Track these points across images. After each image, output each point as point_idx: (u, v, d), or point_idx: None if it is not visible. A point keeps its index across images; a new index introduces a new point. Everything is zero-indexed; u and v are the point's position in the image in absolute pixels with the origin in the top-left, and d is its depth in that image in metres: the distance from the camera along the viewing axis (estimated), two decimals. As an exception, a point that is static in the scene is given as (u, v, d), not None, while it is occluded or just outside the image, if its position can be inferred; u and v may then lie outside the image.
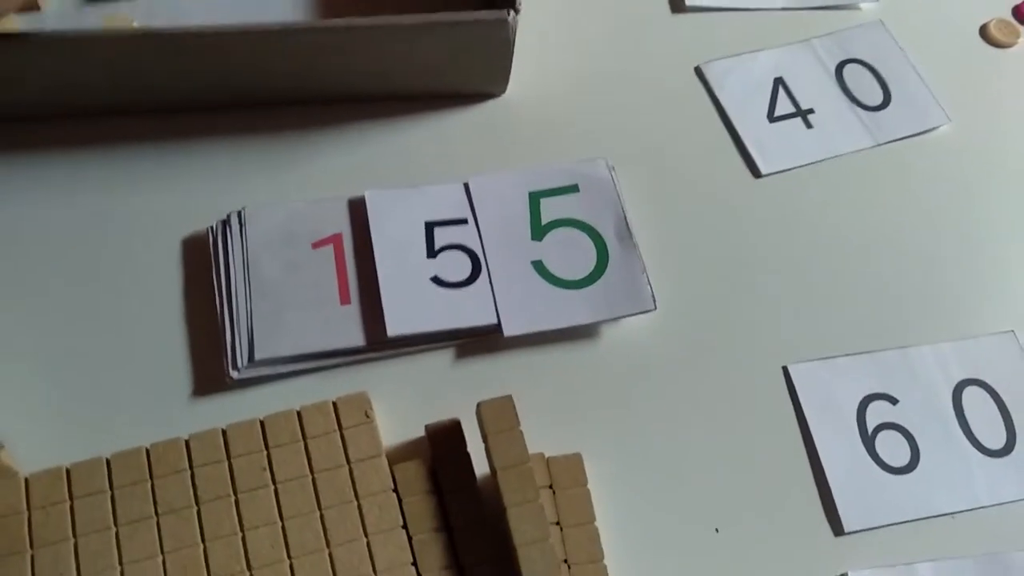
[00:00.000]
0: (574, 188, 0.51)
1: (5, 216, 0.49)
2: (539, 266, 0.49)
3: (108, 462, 0.41)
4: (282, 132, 0.53)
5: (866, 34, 0.61)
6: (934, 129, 0.58)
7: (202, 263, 0.49)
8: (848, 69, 0.60)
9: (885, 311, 0.51)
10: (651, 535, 0.44)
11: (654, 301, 0.49)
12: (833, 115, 0.58)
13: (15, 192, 0.50)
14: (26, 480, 0.40)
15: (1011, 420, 0.49)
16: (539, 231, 0.49)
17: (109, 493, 0.40)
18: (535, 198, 0.50)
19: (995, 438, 0.49)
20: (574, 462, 0.44)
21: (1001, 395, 0.50)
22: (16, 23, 0.54)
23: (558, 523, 0.42)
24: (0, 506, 0.40)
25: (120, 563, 0.39)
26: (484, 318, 0.47)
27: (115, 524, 0.40)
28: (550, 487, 0.43)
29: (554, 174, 0.52)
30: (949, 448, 0.48)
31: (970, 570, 0.45)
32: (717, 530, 0.45)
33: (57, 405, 0.44)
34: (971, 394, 0.50)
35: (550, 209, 0.50)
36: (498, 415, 0.42)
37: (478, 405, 0.42)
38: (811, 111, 0.58)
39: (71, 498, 0.40)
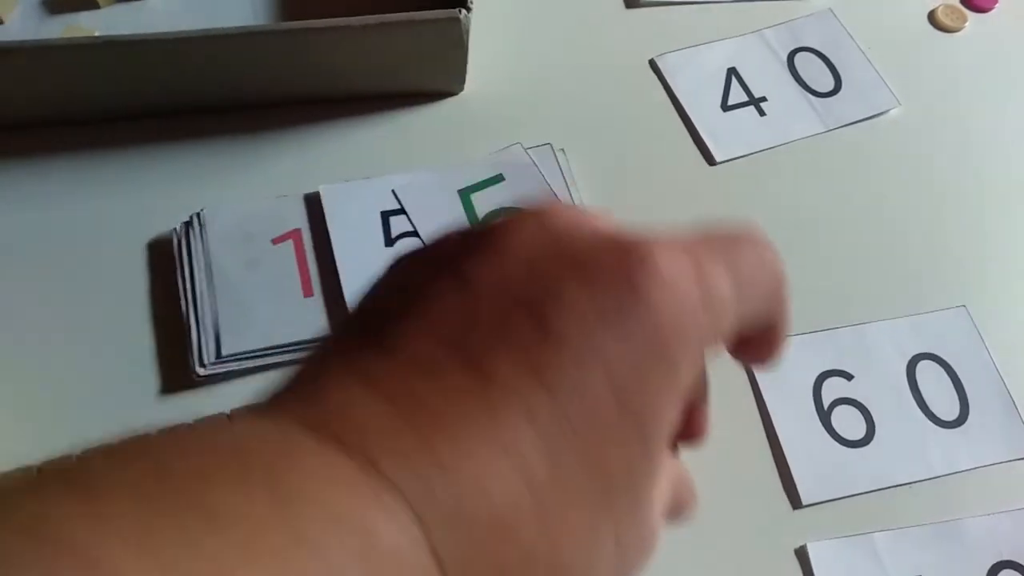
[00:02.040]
0: (499, 178, 0.52)
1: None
2: None
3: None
4: (241, 134, 0.54)
5: (816, 23, 0.63)
6: (884, 113, 0.59)
7: (167, 265, 0.50)
8: (799, 57, 0.61)
9: (839, 290, 0.53)
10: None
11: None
12: (785, 102, 0.59)
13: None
14: None
15: (964, 392, 0.50)
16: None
17: None
18: (465, 195, 0.52)
19: (949, 410, 0.50)
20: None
21: (954, 368, 0.51)
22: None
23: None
24: None
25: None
26: (443, 304, 0.48)
27: None
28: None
29: (477, 169, 0.53)
30: (904, 421, 0.49)
31: (926, 537, 0.46)
32: (677, 507, 0.46)
33: (27, 405, 0.45)
34: (925, 368, 0.51)
35: (482, 202, 0.52)
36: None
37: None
38: (764, 99, 0.59)
39: None
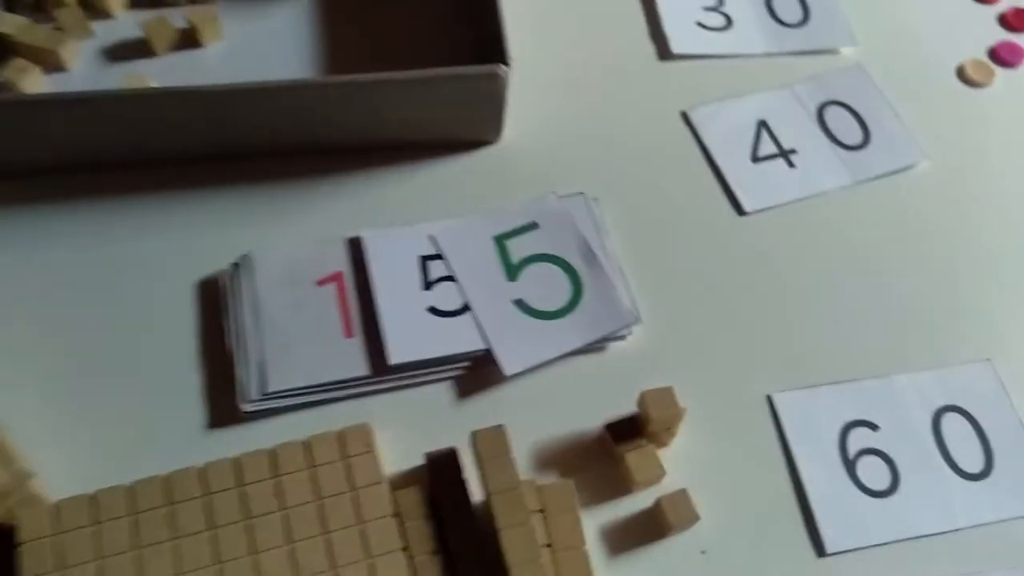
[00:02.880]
0: (533, 225, 0.54)
1: (34, 263, 0.53)
2: (521, 304, 0.52)
3: (130, 489, 0.44)
4: (288, 180, 0.56)
5: (846, 77, 0.64)
6: (912, 167, 0.60)
7: (214, 304, 0.52)
8: (829, 111, 0.63)
9: (866, 342, 0.54)
10: (639, 558, 0.47)
11: (635, 315, 0.52)
12: (814, 155, 0.61)
13: (42, 240, 0.53)
14: (55, 506, 0.43)
15: (988, 445, 0.51)
16: (512, 271, 0.53)
17: (131, 518, 0.43)
18: (500, 241, 0.54)
19: (973, 462, 0.51)
20: (565, 488, 0.46)
21: (979, 421, 0.52)
22: (43, 84, 0.58)
23: (549, 546, 0.45)
24: (30, 531, 0.42)
25: (141, 583, 0.42)
26: (479, 344, 0.50)
27: (137, 547, 0.43)
28: (541, 511, 0.45)
29: (512, 216, 0.55)
30: (928, 472, 0.50)
31: (949, 589, 0.47)
32: (703, 552, 0.47)
33: (83, 438, 0.47)
34: (950, 420, 0.52)
35: (517, 249, 0.54)
36: (491, 443, 0.45)
37: (472, 434, 0.45)
38: (793, 151, 0.61)
39: (96, 523, 0.43)
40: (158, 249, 0.53)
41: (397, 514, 0.45)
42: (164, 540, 0.43)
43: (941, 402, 0.52)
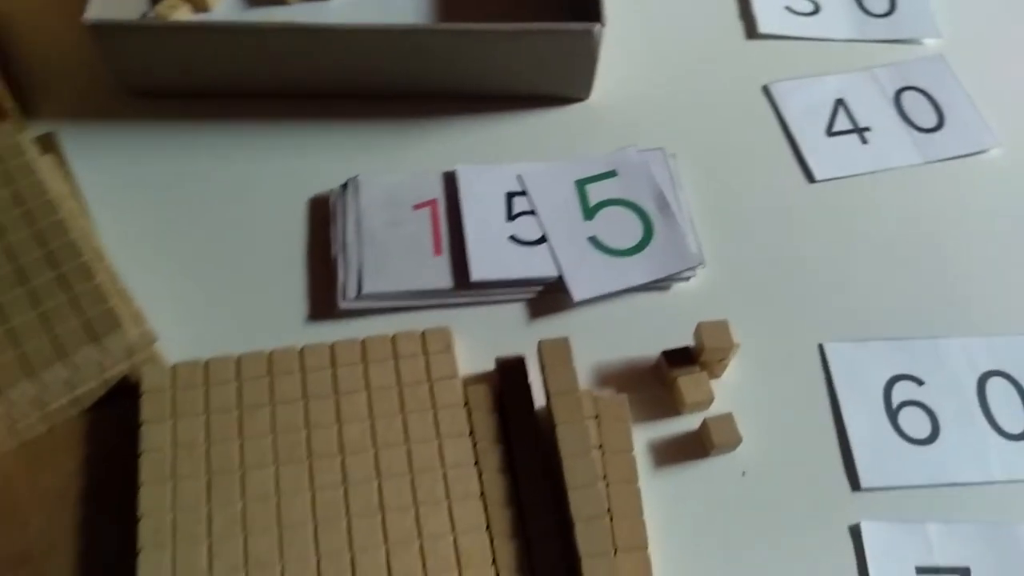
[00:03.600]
0: (613, 173, 0.59)
1: (179, 168, 0.61)
2: (594, 241, 0.56)
3: (238, 360, 0.50)
4: (395, 118, 0.63)
5: (926, 66, 0.67)
6: (983, 152, 0.63)
7: (323, 218, 0.58)
8: (906, 95, 0.65)
9: (920, 305, 0.57)
10: (683, 471, 0.51)
11: (700, 258, 0.56)
12: (887, 133, 0.64)
13: (188, 151, 0.61)
14: (174, 367, 0.50)
15: (1032, 410, 0.53)
16: (589, 212, 0.58)
17: (236, 384, 0.50)
18: (580, 185, 0.59)
19: (1015, 424, 0.53)
20: (619, 400, 0.51)
21: (1024, 387, 0.54)
22: (188, 16, 0.66)
23: (600, 447, 0.49)
24: (151, 383, 0.49)
25: (240, 437, 0.48)
26: (552, 271, 0.55)
27: (239, 407, 0.49)
28: (596, 418, 0.50)
29: (594, 163, 0.60)
30: (969, 427, 0.52)
31: (978, 534, 0.49)
32: (744, 473, 0.51)
33: (200, 317, 0.54)
34: (995, 384, 0.54)
35: (595, 193, 0.58)
36: (555, 351, 0.50)
37: (539, 342, 0.50)
38: (867, 129, 0.64)
39: (207, 384, 0.50)
40: (280, 168, 0.61)
41: (466, 405, 0.50)
42: (263, 404, 0.49)
43: (988, 367, 0.54)
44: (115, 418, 0.50)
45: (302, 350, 0.51)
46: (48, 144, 0.59)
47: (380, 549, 0.46)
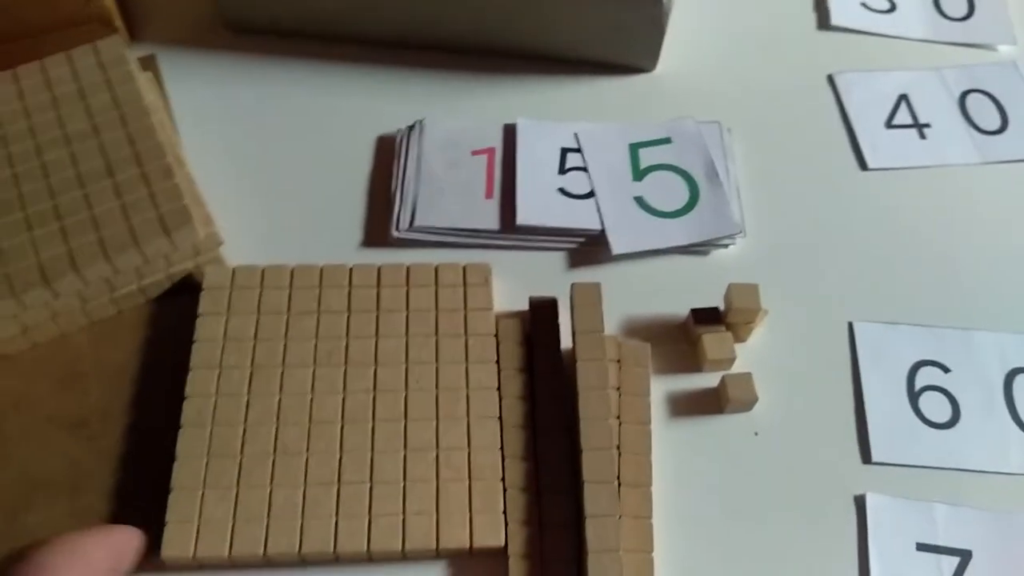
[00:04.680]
0: (667, 140, 0.61)
1: (265, 99, 0.65)
2: (640, 201, 0.59)
3: (292, 270, 0.54)
4: (463, 70, 0.66)
5: (996, 71, 0.67)
6: (1044, 158, 0.63)
7: (388, 155, 0.62)
8: (971, 97, 0.66)
9: (956, 296, 0.57)
10: (696, 425, 0.52)
11: (741, 227, 0.58)
12: (948, 131, 0.64)
13: (273, 85, 0.66)
14: (233, 270, 0.54)
15: (1059, 411, 0.53)
16: (639, 174, 0.60)
17: (288, 291, 0.54)
18: (634, 148, 0.61)
19: (1039, 422, 0.53)
20: (641, 347, 0.53)
21: (1053, 389, 0.54)
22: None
23: (618, 389, 0.51)
24: (212, 281, 0.54)
25: (285, 338, 0.52)
26: (595, 224, 0.57)
27: (287, 312, 0.53)
28: (618, 362, 0.52)
29: (650, 129, 0.62)
30: (990, 418, 0.53)
31: (985, 519, 0.49)
32: (756, 434, 0.52)
33: (264, 230, 0.59)
34: (1023, 382, 0.54)
35: (647, 157, 0.61)
36: (586, 294, 0.52)
37: (572, 285, 0.53)
38: (927, 125, 0.64)
39: (261, 287, 0.54)
40: (355, 107, 0.65)
41: (496, 336, 0.53)
42: (310, 312, 0.53)
43: (1019, 363, 0.54)
44: (177, 310, 0.54)
45: (351, 268, 0.55)
46: (148, 64, 0.64)
47: (399, 453, 0.49)
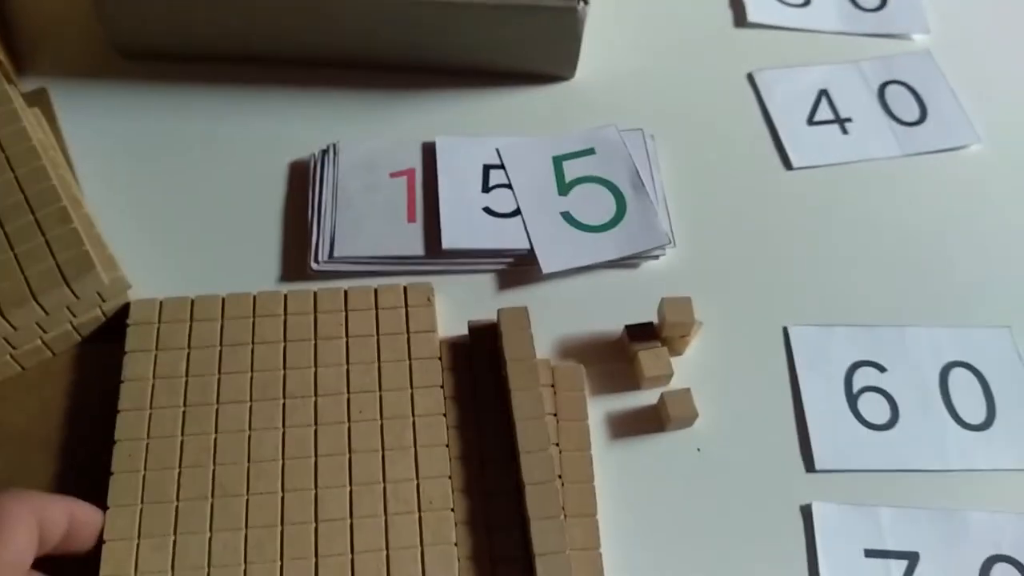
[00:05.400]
0: (591, 151, 0.60)
1: (163, 130, 0.62)
2: (567, 216, 0.57)
3: (223, 300, 0.52)
4: (376, 88, 0.63)
5: (913, 61, 0.67)
6: (963, 147, 0.63)
7: (301, 182, 0.59)
8: (890, 89, 0.66)
9: (888, 294, 0.57)
10: (638, 444, 0.51)
11: (670, 237, 0.57)
12: (869, 125, 0.64)
13: (174, 112, 0.62)
14: (160, 302, 0.51)
15: (993, 402, 0.53)
16: (564, 188, 0.58)
17: (219, 322, 0.51)
18: (557, 161, 0.59)
19: (975, 415, 0.53)
20: (575, 370, 0.51)
21: (987, 379, 0.54)
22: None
23: (555, 415, 0.50)
24: (138, 316, 0.51)
25: (219, 372, 0.49)
26: (523, 243, 0.56)
27: (220, 344, 0.50)
28: (552, 387, 0.51)
29: (572, 140, 0.60)
30: (928, 416, 0.52)
31: (930, 519, 0.49)
32: (699, 449, 0.51)
33: (175, 269, 0.55)
34: (958, 375, 0.54)
35: (571, 169, 0.59)
36: (513, 319, 0.51)
37: (499, 310, 0.51)
38: (849, 120, 0.64)
39: (192, 320, 0.51)
40: (263, 132, 0.61)
41: (440, 359, 0.51)
42: (244, 343, 0.50)
43: (952, 357, 0.55)
44: (85, 361, 0.51)
45: (286, 295, 0.52)
46: (38, 99, 0.60)
47: (344, 488, 0.47)
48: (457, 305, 0.55)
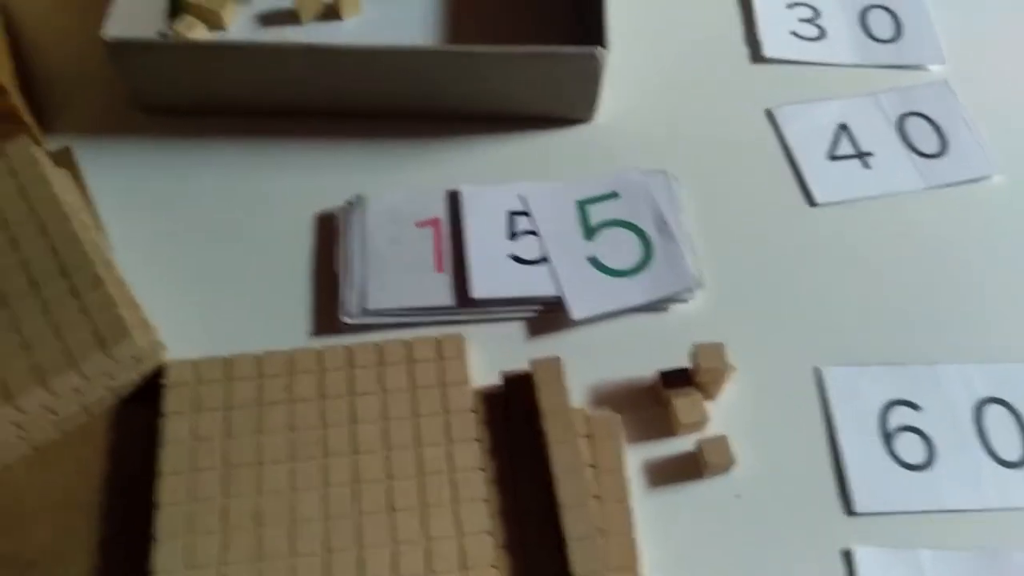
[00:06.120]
0: (614, 195, 0.60)
1: (189, 183, 0.62)
2: (595, 261, 0.57)
3: (259, 358, 0.52)
4: (400, 137, 0.64)
5: (930, 92, 0.67)
6: (984, 179, 0.63)
7: (328, 234, 0.60)
8: (909, 121, 0.66)
9: (918, 331, 0.57)
10: (676, 493, 0.51)
11: (698, 279, 0.57)
12: (890, 159, 0.64)
13: (200, 167, 0.63)
14: (195, 363, 0.52)
15: (1029, 438, 0.53)
16: (590, 232, 0.58)
17: (256, 381, 0.51)
18: (582, 205, 0.60)
19: (1011, 451, 0.53)
20: (611, 419, 0.51)
21: (1021, 415, 0.54)
22: (204, 35, 0.68)
23: (593, 466, 0.50)
24: (175, 378, 0.51)
25: (258, 433, 0.50)
26: (552, 291, 0.56)
27: (258, 404, 0.50)
28: (589, 437, 0.51)
29: (596, 184, 0.61)
30: (964, 453, 0.52)
31: (972, 562, 0.49)
32: (738, 496, 0.51)
33: (206, 326, 0.56)
34: (992, 411, 0.54)
35: (596, 213, 0.59)
36: (547, 370, 0.51)
37: (531, 361, 0.51)
38: (870, 154, 0.64)
39: (228, 379, 0.51)
40: (289, 185, 0.62)
41: (476, 411, 0.51)
42: (281, 402, 0.51)
43: (985, 393, 0.55)
44: (122, 419, 0.51)
45: (320, 351, 0.52)
46: (63, 158, 0.61)
47: (387, 547, 0.47)
48: (488, 354, 0.55)
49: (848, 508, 0.51)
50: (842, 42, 0.70)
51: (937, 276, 0.59)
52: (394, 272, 0.57)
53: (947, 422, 0.54)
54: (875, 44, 0.70)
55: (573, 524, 0.46)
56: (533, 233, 0.59)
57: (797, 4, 0.72)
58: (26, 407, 0.48)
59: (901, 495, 0.51)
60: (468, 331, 0.55)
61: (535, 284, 0.56)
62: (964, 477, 0.52)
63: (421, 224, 0.59)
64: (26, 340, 0.49)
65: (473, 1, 0.71)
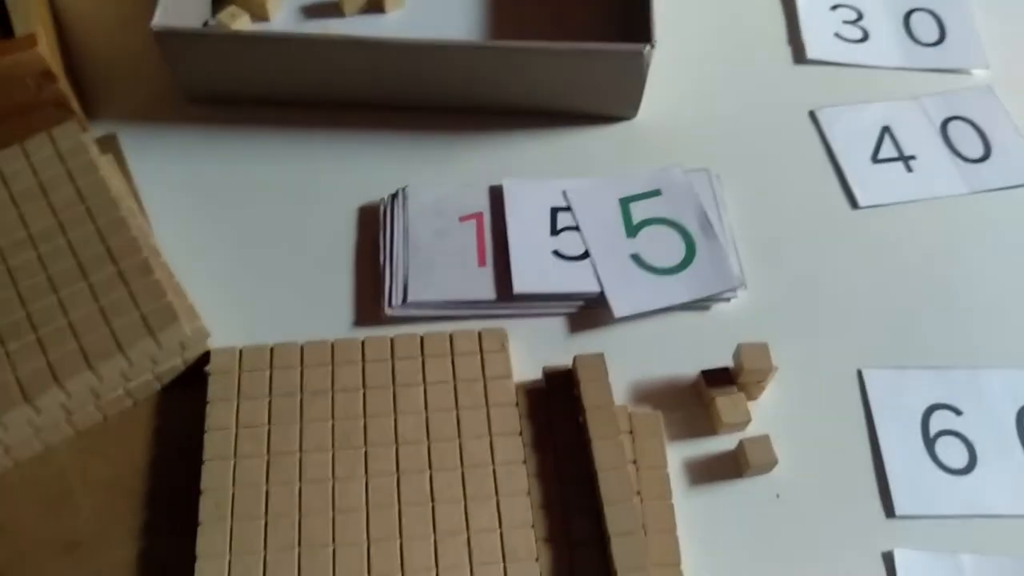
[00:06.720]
0: (657, 192, 0.60)
1: (237, 173, 0.62)
2: (637, 258, 0.57)
3: (302, 347, 0.52)
4: (444, 131, 0.64)
5: (974, 96, 0.67)
6: (1029, 184, 0.63)
7: (372, 226, 0.60)
8: (952, 125, 0.66)
9: (960, 335, 0.57)
10: (717, 491, 0.51)
11: (742, 279, 0.57)
12: (933, 162, 0.64)
13: (243, 157, 0.63)
14: (240, 351, 0.52)
15: (1072, 445, 0.53)
16: (632, 229, 0.58)
17: (299, 369, 0.51)
18: (624, 203, 0.60)
19: (1054, 458, 0.53)
20: (653, 417, 0.51)
21: (1065, 424, 0.54)
22: (249, 29, 0.68)
23: (635, 463, 0.50)
24: (219, 365, 0.51)
25: (300, 421, 0.50)
26: (594, 287, 0.56)
27: (300, 392, 0.51)
28: (631, 433, 0.51)
29: (638, 182, 0.61)
30: (1007, 459, 0.52)
31: (1012, 567, 0.49)
32: (778, 495, 0.51)
33: (250, 315, 0.56)
34: (1035, 417, 0.54)
35: (639, 211, 0.59)
36: (590, 367, 0.51)
37: (574, 357, 0.51)
38: (913, 157, 0.64)
39: (271, 368, 0.51)
40: (333, 176, 0.62)
41: (518, 405, 0.51)
42: (324, 391, 0.51)
43: (1028, 400, 0.54)
44: (165, 405, 0.52)
45: (363, 341, 0.53)
46: (109, 145, 0.61)
47: (429, 539, 0.47)
48: (529, 349, 0.55)
49: (889, 510, 0.51)
50: (885, 45, 0.70)
51: (980, 281, 0.59)
52: (437, 265, 0.57)
53: (989, 427, 0.53)
54: (919, 47, 0.70)
55: (616, 520, 0.46)
56: (575, 229, 0.59)
57: (840, 6, 0.71)
58: (73, 390, 0.48)
59: (942, 499, 0.51)
60: (509, 325, 0.55)
61: (577, 280, 0.56)
62: (1006, 483, 0.51)
63: (464, 218, 0.59)
64: (74, 324, 0.49)
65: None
